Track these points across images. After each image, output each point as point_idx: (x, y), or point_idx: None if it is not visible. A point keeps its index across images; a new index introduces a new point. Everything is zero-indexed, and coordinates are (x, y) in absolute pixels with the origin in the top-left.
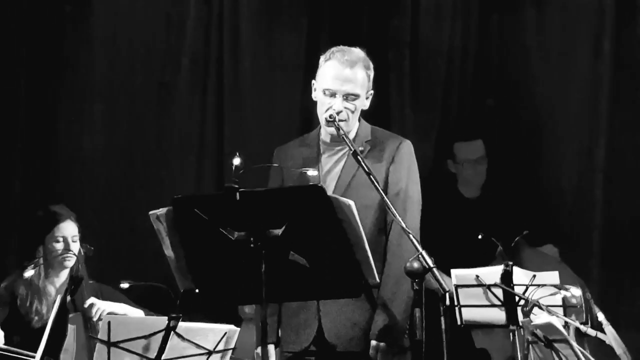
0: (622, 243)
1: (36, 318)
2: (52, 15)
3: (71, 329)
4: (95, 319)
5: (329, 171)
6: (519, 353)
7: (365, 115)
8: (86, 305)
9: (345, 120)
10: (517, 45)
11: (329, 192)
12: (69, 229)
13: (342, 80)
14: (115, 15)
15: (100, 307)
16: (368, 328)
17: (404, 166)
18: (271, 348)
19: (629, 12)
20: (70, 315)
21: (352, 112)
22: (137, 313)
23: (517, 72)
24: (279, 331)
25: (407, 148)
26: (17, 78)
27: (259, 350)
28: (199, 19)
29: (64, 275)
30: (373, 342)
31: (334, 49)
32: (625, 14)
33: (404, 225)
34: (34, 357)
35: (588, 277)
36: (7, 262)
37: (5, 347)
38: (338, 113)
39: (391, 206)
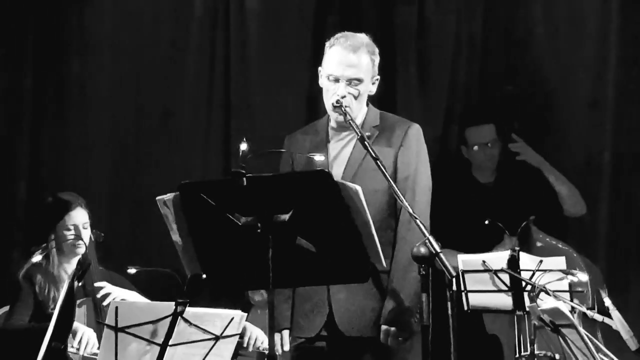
0: (630, 226)
1: (52, 306)
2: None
3: (81, 313)
4: (105, 304)
5: (337, 156)
6: (522, 339)
7: (372, 100)
8: (96, 285)
9: (349, 106)
10: (524, 25)
11: (337, 177)
12: (79, 217)
13: (344, 65)
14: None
15: (112, 292)
16: (378, 313)
17: (413, 150)
18: (285, 334)
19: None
20: (80, 300)
21: (356, 97)
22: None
23: (524, 54)
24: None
25: (416, 132)
26: (23, 66)
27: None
28: (206, 8)
29: (75, 261)
30: (384, 327)
31: (338, 35)
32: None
33: (410, 210)
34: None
35: (595, 261)
36: (14, 255)
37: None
38: (342, 98)
39: (398, 191)
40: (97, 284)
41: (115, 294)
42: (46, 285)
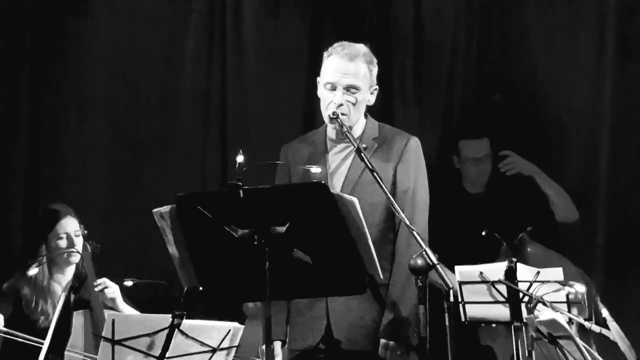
0: (625, 239)
1: (42, 318)
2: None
3: (79, 325)
4: (97, 290)
5: (337, 168)
6: (519, 350)
7: (368, 110)
8: (97, 282)
9: (346, 115)
10: (520, 36)
11: (337, 190)
12: (70, 225)
13: (342, 73)
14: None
15: (110, 286)
16: (377, 326)
17: (412, 164)
18: (277, 345)
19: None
20: (77, 312)
21: (354, 104)
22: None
23: (520, 65)
24: (287, 329)
25: (415, 145)
26: (20, 75)
27: (264, 347)
28: (201, 14)
29: (69, 272)
30: (382, 341)
31: (336, 44)
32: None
33: (408, 223)
34: (37, 342)
35: (592, 271)
36: (12, 263)
37: (5, 329)
38: (339, 106)
39: (395, 204)
40: (97, 281)
41: (112, 288)
42: (33, 299)
